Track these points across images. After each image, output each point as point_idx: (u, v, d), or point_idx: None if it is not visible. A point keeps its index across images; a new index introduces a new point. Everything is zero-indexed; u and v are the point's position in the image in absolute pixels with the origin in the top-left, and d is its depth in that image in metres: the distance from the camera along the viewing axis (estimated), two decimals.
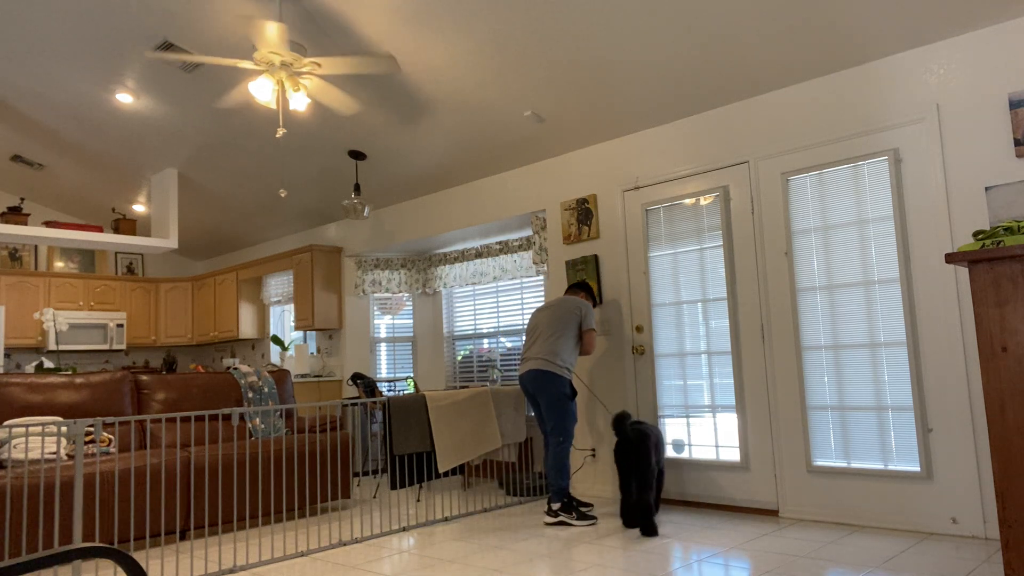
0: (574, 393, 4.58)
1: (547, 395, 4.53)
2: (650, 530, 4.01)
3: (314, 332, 7.70)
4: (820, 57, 4.11)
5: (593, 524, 4.33)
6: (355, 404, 5.92)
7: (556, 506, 4.39)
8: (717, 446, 4.67)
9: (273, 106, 4.27)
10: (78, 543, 1.80)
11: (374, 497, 5.58)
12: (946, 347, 3.81)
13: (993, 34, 3.71)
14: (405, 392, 6.35)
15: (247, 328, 8.29)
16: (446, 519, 4.69)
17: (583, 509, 4.54)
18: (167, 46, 4.66)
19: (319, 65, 4.11)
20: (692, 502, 4.75)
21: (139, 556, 4.04)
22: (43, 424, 3.23)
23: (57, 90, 5.42)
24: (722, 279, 4.67)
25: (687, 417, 4.82)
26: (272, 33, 3.80)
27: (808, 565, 3.33)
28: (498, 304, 6.76)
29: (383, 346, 7.45)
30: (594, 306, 5.14)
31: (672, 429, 4.89)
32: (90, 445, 4.31)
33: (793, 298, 4.33)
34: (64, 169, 7.12)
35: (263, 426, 5.26)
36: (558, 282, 5.62)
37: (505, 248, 6.52)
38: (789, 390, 4.34)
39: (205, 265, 9.61)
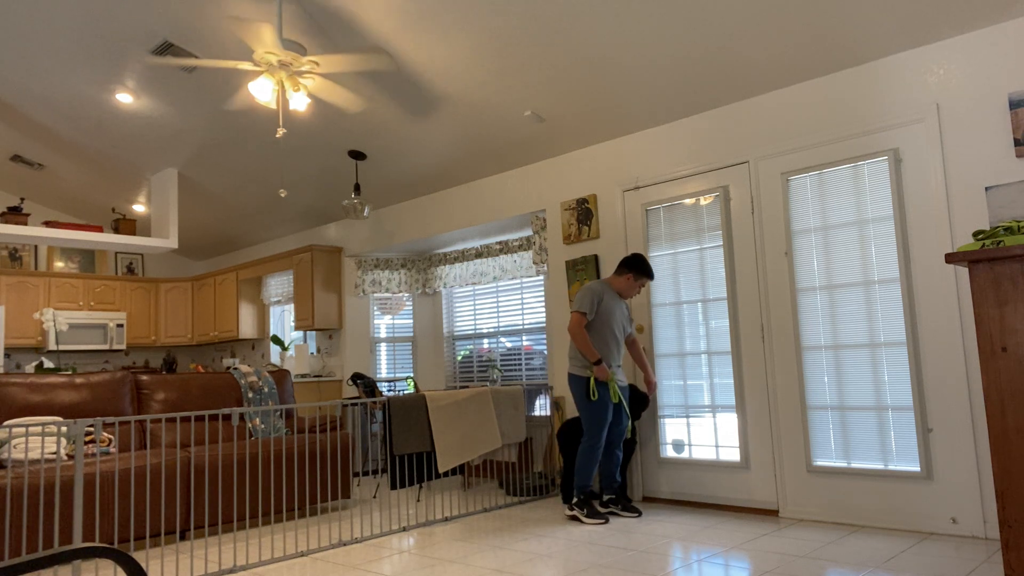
0: (589, 391, 4.50)
1: (573, 397, 4.64)
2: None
3: (314, 332, 7.70)
4: (820, 57, 4.11)
5: (603, 523, 4.35)
6: (355, 404, 5.92)
7: (573, 500, 4.50)
8: (717, 446, 4.67)
9: (273, 106, 4.27)
10: (78, 543, 1.80)
11: (374, 497, 5.58)
12: (946, 347, 3.81)
13: (993, 34, 3.71)
14: (405, 392, 6.35)
15: (247, 328, 8.29)
16: (446, 519, 4.69)
17: (601, 509, 4.55)
18: (167, 46, 4.66)
19: (317, 64, 4.12)
20: (692, 502, 4.75)
21: (139, 556, 4.04)
22: (43, 424, 3.23)
23: (57, 90, 5.42)
24: (722, 279, 4.67)
25: (687, 417, 4.82)
26: (263, 34, 3.80)
27: (808, 565, 3.33)
28: (498, 304, 6.76)
29: (383, 346, 7.45)
30: (637, 277, 4.59)
31: (672, 429, 4.89)
32: (90, 445, 4.31)
33: (793, 298, 4.33)
34: (64, 169, 7.12)
35: (263, 426, 5.26)
36: (558, 282, 5.62)
37: (505, 248, 6.52)
38: (789, 390, 4.34)
39: (205, 265, 9.61)
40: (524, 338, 6.53)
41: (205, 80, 5.11)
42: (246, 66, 4.05)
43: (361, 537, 4.24)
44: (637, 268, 4.58)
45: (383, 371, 7.43)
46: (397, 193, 6.70)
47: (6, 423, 3.90)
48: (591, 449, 4.49)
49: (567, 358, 4.73)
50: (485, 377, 6.84)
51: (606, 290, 4.60)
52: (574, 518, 4.47)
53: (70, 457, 4.25)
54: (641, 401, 4.79)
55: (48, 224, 6.82)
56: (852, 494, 4.07)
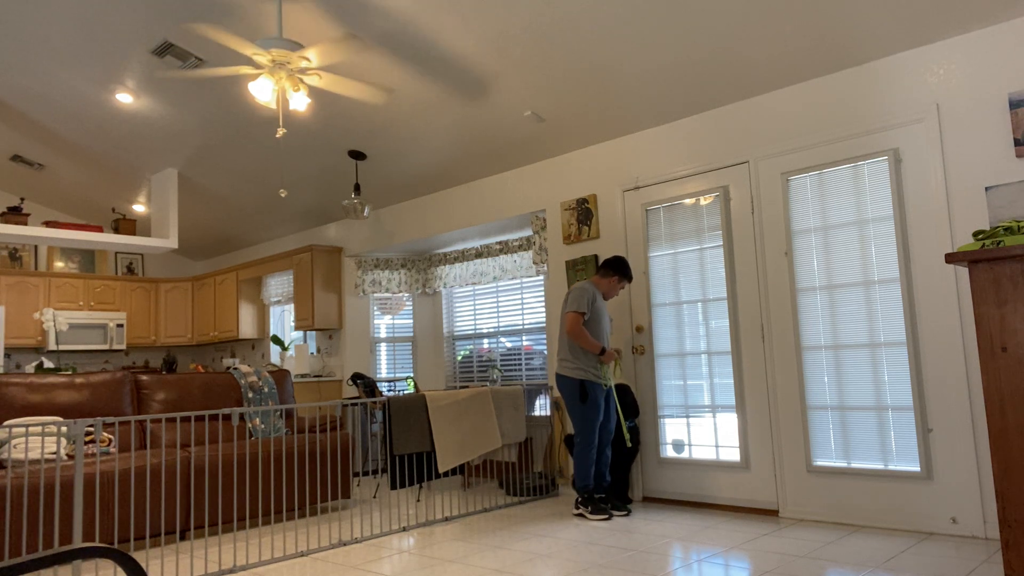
0: (584, 394, 4.56)
1: (563, 398, 4.68)
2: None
3: (314, 332, 7.69)
4: (820, 57, 4.11)
5: (606, 519, 4.42)
6: (355, 404, 5.92)
7: (578, 499, 4.60)
8: (717, 446, 4.67)
9: (273, 106, 4.27)
10: (78, 543, 1.80)
11: (374, 497, 5.58)
12: (946, 347, 3.81)
13: (993, 34, 3.71)
14: (405, 392, 6.35)
15: (247, 328, 8.29)
16: (446, 519, 4.70)
17: (603, 505, 4.56)
18: (167, 47, 4.66)
19: (320, 76, 4.14)
20: (692, 502, 4.75)
21: (139, 556, 4.04)
22: (43, 424, 3.23)
23: (57, 90, 5.42)
24: (722, 279, 4.67)
25: (687, 417, 4.82)
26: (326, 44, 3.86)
27: (808, 565, 3.33)
28: (498, 304, 6.76)
29: (383, 346, 7.45)
30: (620, 280, 4.74)
31: (672, 429, 4.89)
32: (90, 445, 4.31)
33: (793, 298, 4.33)
34: (64, 169, 7.12)
35: (263, 426, 5.26)
36: (558, 282, 5.62)
37: (505, 248, 6.52)
38: (789, 390, 4.34)
39: (205, 265, 9.61)
40: (524, 338, 6.53)
41: (205, 80, 5.11)
42: (248, 70, 4.05)
43: (361, 537, 4.24)
44: (622, 271, 4.73)
45: (383, 371, 7.43)
46: (397, 193, 6.70)
47: (6, 423, 3.90)
48: (585, 449, 4.56)
49: (557, 359, 4.74)
50: (485, 377, 6.84)
51: (595, 291, 4.69)
52: (580, 515, 4.54)
53: (70, 457, 4.25)
54: (631, 407, 4.85)
55: (48, 224, 6.82)
56: (852, 494, 4.07)
